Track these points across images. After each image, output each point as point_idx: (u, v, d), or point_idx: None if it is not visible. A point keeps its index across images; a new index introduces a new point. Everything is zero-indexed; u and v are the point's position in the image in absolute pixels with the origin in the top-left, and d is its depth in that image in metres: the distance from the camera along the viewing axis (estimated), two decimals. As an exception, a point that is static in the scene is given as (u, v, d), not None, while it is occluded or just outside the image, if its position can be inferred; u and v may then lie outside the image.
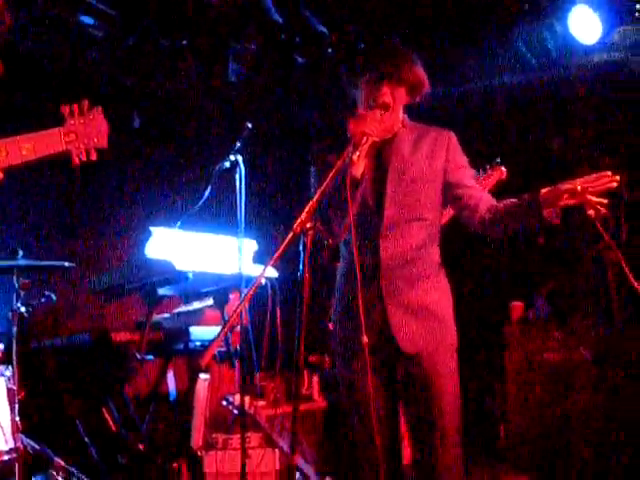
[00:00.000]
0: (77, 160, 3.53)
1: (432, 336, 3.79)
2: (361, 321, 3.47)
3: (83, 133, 3.52)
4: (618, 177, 3.63)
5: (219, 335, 3.24)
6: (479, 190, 3.97)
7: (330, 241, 3.72)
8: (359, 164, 3.59)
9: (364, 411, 3.68)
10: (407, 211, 3.79)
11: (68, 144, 3.50)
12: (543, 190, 3.71)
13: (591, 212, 3.87)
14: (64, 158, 3.56)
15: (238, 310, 3.41)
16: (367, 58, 3.80)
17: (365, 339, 3.46)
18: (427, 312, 3.80)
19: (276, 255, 3.28)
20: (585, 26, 6.48)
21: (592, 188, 3.61)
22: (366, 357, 3.48)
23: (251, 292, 3.36)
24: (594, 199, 3.62)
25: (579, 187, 3.61)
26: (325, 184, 3.38)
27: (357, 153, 3.54)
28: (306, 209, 3.31)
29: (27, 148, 3.44)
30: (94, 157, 3.56)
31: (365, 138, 3.59)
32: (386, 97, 3.72)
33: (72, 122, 3.51)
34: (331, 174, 3.41)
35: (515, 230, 3.89)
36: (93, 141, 3.55)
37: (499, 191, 4.42)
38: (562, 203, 3.66)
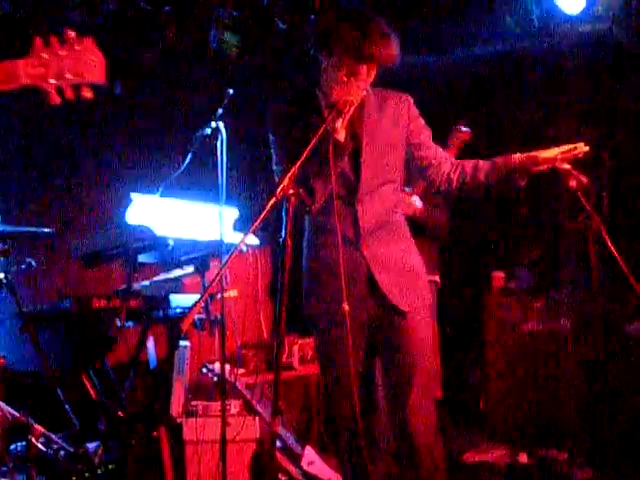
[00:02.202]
0: (56, 98, 2.87)
1: (417, 293, 3.97)
2: (342, 288, 3.49)
3: (61, 67, 2.89)
4: (587, 148, 3.81)
5: (199, 301, 3.24)
6: (441, 150, 4.09)
7: (312, 208, 3.73)
8: (341, 130, 3.63)
9: (343, 374, 3.78)
10: (380, 175, 3.89)
11: (34, 79, 2.86)
12: (516, 155, 3.87)
13: (573, 183, 3.92)
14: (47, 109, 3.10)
15: (218, 277, 3.41)
16: (347, 38, 3.76)
17: (346, 307, 3.49)
18: (410, 271, 3.97)
19: (257, 222, 3.27)
20: (569, -5, 6.46)
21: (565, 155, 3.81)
22: (347, 324, 3.51)
23: (231, 259, 3.35)
24: (574, 172, 3.75)
25: (559, 156, 3.72)
26: (307, 150, 3.39)
27: (340, 120, 3.59)
28: (288, 175, 3.32)
29: None
30: (89, 95, 2.91)
31: (348, 106, 3.64)
32: (364, 74, 3.75)
33: (44, 54, 2.88)
34: (314, 140, 3.42)
35: (479, 192, 4.02)
36: (82, 76, 2.91)
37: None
38: (537, 169, 3.84)
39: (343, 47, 3.72)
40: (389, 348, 3.94)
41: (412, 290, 3.95)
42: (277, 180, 3.83)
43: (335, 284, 3.64)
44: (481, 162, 3.96)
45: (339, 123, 3.62)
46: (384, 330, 3.93)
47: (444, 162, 4.01)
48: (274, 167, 3.96)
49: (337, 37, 3.74)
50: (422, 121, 4.04)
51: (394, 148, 3.94)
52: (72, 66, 2.90)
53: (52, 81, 2.86)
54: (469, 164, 3.97)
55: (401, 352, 3.90)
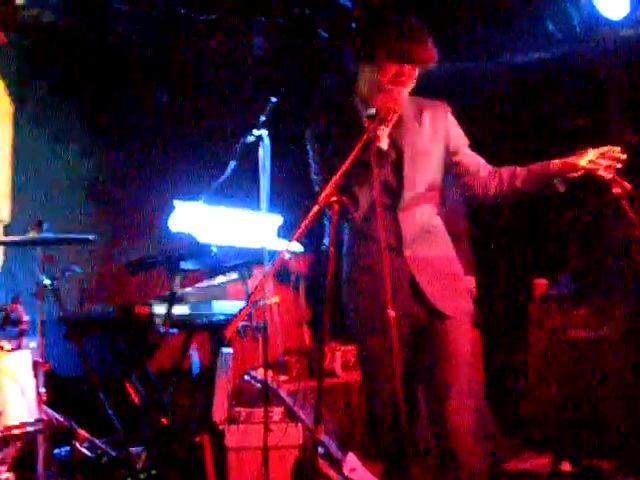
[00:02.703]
0: None
1: (460, 298, 4.00)
2: (386, 295, 3.49)
3: None
4: (624, 156, 3.83)
5: (243, 308, 3.25)
6: (478, 157, 4.09)
7: (355, 215, 3.74)
8: (384, 138, 3.64)
9: (386, 380, 3.75)
10: (421, 182, 3.92)
11: None
12: (555, 162, 3.89)
13: (617, 190, 3.90)
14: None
15: (261, 284, 3.42)
16: (389, 41, 3.79)
17: (392, 313, 3.48)
18: (452, 276, 4.00)
19: (300, 230, 3.28)
20: (612, 1, 6.42)
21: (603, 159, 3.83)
22: (392, 330, 3.50)
23: (275, 267, 3.37)
24: (618, 178, 3.75)
25: (597, 159, 3.81)
26: (351, 157, 3.40)
27: (383, 128, 3.60)
28: (331, 183, 3.33)
29: None
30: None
31: (392, 114, 3.65)
32: (407, 77, 3.79)
33: None
34: (357, 147, 3.43)
35: (517, 197, 4.05)
36: None
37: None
38: (577, 175, 3.85)
39: (385, 50, 3.75)
40: (431, 352, 3.95)
41: (454, 295, 3.98)
42: (317, 189, 3.86)
43: (378, 291, 3.64)
44: (518, 169, 3.97)
45: (382, 131, 3.63)
46: (426, 335, 3.94)
47: (482, 169, 4.03)
48: (313, 177, 3.98)
49: (379, 41, 3.77)
50: (459, 128, 4.07)
51: (433, 155, 3.96)
52: None
53: None
54: (506, 171, 3.99)
55: (442, 356, 3.91)
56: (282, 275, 5.01)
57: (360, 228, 3.92)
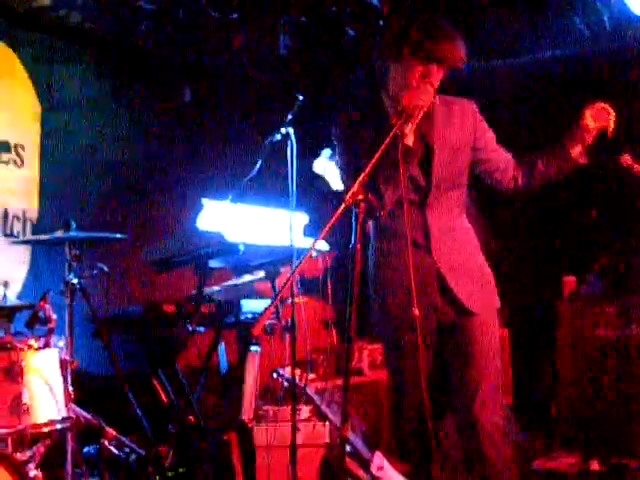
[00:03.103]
0: None
1: (487, 296, 4.02)
2: (412, 293, 3.48)
3: None
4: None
5: (270, 306, 3.24)
6: (505, 152, 4.12)
7: (381, 213, 3.74)
8: (410, 135, 3.65)
9: (412, 379, 3.77)
10: (449, 179, 3.94)
11: None
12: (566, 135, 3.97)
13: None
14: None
15: (289, 283, 3.42)
16: (417, 40, 3.78)
17: (416, 311, 3.48)
18: (479, 274, 4.02)
19: (326, 228, 3.28)
20: (641, -3, 6.38)
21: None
22: (418, 329, 3.49)
23: (301, 265, 3.36)
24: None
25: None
26: (377, 155, 3.39)
27: (410, 125, 3.61)
28: (358, 180, 3.33)
29: None
30: None
31: (418, 110, 3.65)
32: (434, 77, 3.78)
33: None
34: (384, 145, 3.43)
35: (545, 181, 4.05)
36: None
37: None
38: (591, 136, 3.95)
39: (412, 49, 3.74)
40: (458, 349, 3.96)
41: (482, 292, 3.98)
42: (343, 186, 3.87)
43: (404, 290, 3.63)
44: (536, 153, 4.02)
45: (408, 128, 3.63)
46: (454, 332, 3.95)
47: (510, 163, 4.07)
48: (340, 173, 3.99)
49: (406, 40, 3.76)
50: (486, 125, 4.08)
51: (462, 152, 3.97)
52: None
53: None
54: (528, 160, 4.03)
55: (470, 353, 3.92)
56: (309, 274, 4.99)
57: (386, 225, 3.94)
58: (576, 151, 3.93)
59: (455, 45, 3.76)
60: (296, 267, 3.40)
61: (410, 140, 3.66)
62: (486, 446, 3.87)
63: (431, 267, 3.87)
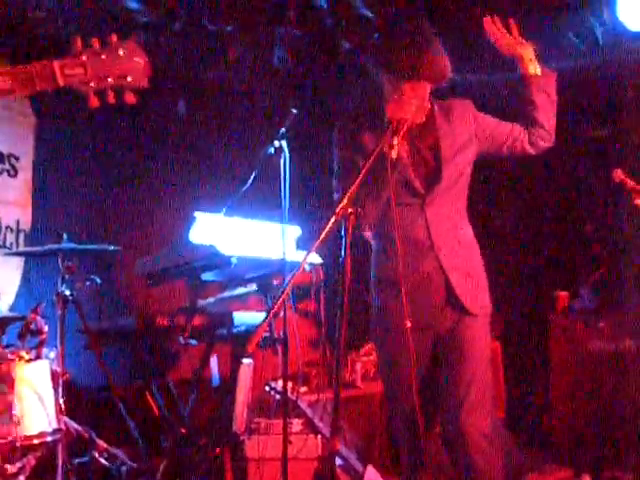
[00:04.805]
0: (95, 101, 2.78)
1: (483, 298, 4.01)
2: (404, 306, 3.50)
3: (102, 69, 2.77)
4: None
5: (264, 321, 3.23)
6: (509, 124, 4.12)
7: (367, 231, 3.79)
8: (397, 147, 3.62)
9: (405, 389, 3.77)
10: (454, 184, 3.96)
11: (68, 79, 2.75)
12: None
13: (638, 201, 3.91)
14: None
15: (283, 296, 3.41)
16: (383, 56, 3.83)
17: (408, 323, 3.49)
18: (477, 275, 4.01)
19: (318, 241, 3.27)
20: (634, 12, 6.40)
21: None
22: (409, 340, 3.50)
23: (294, 278, 3.36)
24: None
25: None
26: (366, 169, 3.40)
27: (396, 138, 3.60)
28: (347, 194, 3.32)
29: (3, 77, 2.81)
30: (132, 100, 2.83)
31: (402, 123, 3.64)
32: (415, 91, 3.78)
33: (84, 55, 2.76)
34: (371, 159, 3.43)
35: (545, 116, 4.07)
36: (125, 80, 2.81)
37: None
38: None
39: (386, 66, 3.80)
40: (451, 351, 3.95)
41: (478, 294, 3.98)
42: (334, 190, 3.95)
43: (398, 299, 3.64)
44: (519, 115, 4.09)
45: (395, 140, 3.60)
46: (450, 334, 3.95)
47: (523, 131, 4.07)
48: (333, 180, 4.00)
49: (382, 56, 3.81)
50: (483, 114, 4.11)
51: (467, 148, 3.99)
52: (114, 69, 2.80)
53: (92, 84, 2.77)
54: (522, 119, 4.08)
55: (462, 356, 3.91)
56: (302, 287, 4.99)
57: (382, 230, 3.95)
58: (526, 68, 4.07)
59: (434, 61, 3.77)
60: (289, 280, 3.38)
61: (395, 153, 3.62)
62: (473, 454, 3.85)
63: (434, 268, 3.88)
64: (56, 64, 2.75)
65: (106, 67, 2.79)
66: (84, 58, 2.76)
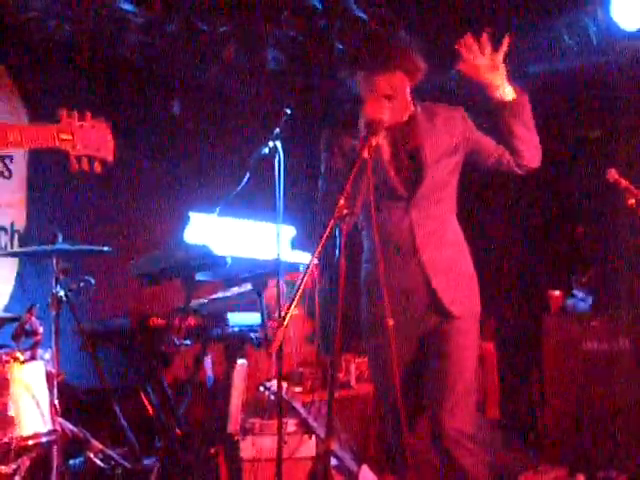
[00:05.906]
0: (76, 166, 3.40)
1: (469, 299, 3.99)
2: (386, 302, 3.53)
3: (83, 138, 3.39)
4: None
5: (283, 321, 3.21)
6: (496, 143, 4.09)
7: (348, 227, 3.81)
8: (372, 147, 3.60)
9: (392, 389, 3.76)
10: (439, 188, 3.94)
11: (62, 143, 3.37)
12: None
13: (631, 201, 3.91)
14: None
15: (297, 297, 3.37)
16: (352, 54, 3.85)
17: (391, 322, 3.52)
18: (463, 276, 3.99)
19: (320, 245, 3.27)
20: (627, 12, 6.41)
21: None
22: (392, 338, 3.56)
23: (289, 277, 3.36)
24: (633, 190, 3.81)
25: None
26: (355, 170, 3.42)
27: (374, 139, 3.60)
28: (344, 195, 3.33)
29: (14, 136, 3.32)
30: (98, 169, 3.45)
31: (379, 123, 3.64)
32: (383, 88, 3.79)
33: (70, 123, 3.41)
34: (351, 162, 3.47)
35: (524, 143, 4.01)
36: (97, 151, 3.43)
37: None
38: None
39: (357, 60, 3.82)
40: (434, 351, 3.94)
41: (464, 295, 3.97)
42: (320, 200, 3.98)
43: (381, 298, 3.66)
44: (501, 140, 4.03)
45: (374, 141, 3.59)
46: (434, 336, 3.94)
47: (503, 150, 4.03)
48: (321, 185, 4.01)
49: (352, 52, 3.87)
50: (474, 127, 4.08)
51: (450, 156, 3.96)
52: (91, 141, 3.39)
53: (78, 148, 3.35)
54: (504, 145, 4.03)
55: (445, 356, 3.90)
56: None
57: (367, 232, 3.98)
58: (494, 96, 3.97)
59: (395, 48, 3.80)
60: (300, 283, 3.34)
61: (366, 154, 3.60)
62: (455, 454, 3.83)
63: (417, 270, 3.87)
64: (53, 128, 3.37)
65: (86, 138, 3.40)
66: (70, 124, 3.40)
